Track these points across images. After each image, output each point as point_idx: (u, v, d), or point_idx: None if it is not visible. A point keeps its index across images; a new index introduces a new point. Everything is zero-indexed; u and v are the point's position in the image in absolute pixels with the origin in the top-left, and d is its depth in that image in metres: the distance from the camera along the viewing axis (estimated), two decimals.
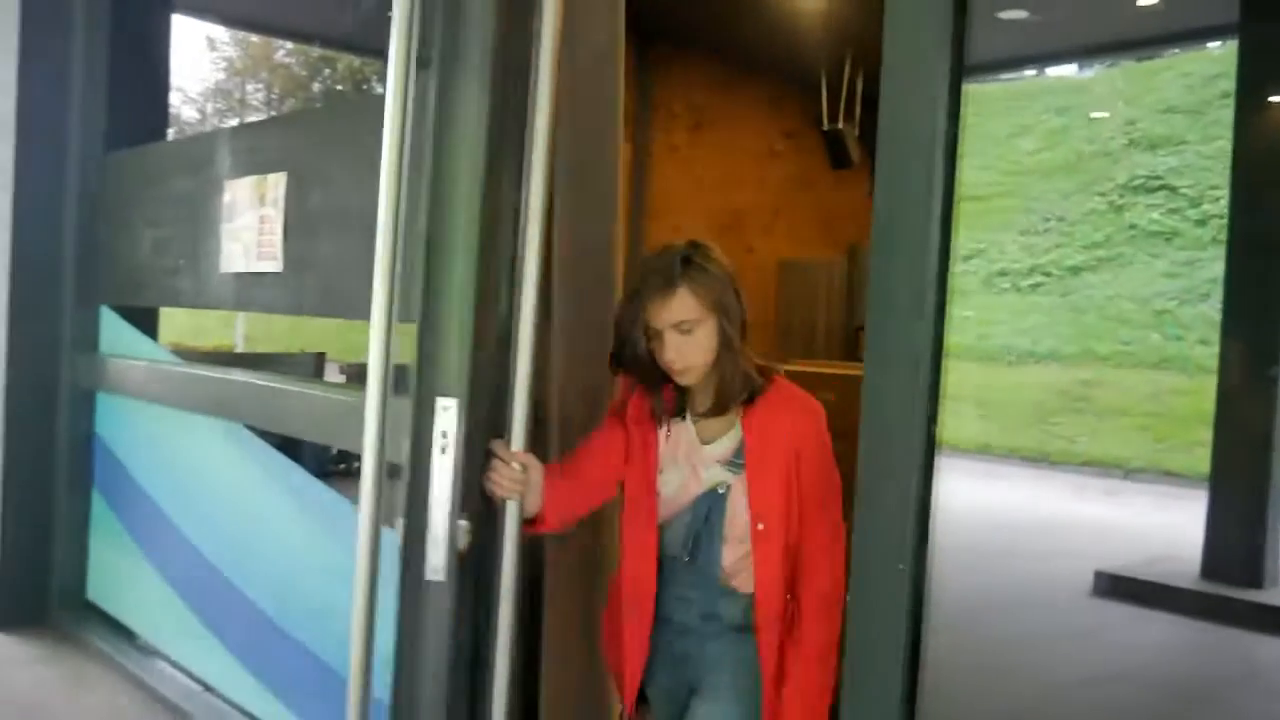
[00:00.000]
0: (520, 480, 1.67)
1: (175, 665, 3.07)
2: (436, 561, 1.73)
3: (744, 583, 1.69)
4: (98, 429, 3.52)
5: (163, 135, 3.85)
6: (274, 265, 2.51)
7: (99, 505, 3.51)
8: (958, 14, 1.30)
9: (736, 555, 1.69)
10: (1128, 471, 10.35)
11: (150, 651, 3.21)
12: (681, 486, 1.70)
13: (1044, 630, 4.52)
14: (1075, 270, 14.99)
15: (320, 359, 7.75)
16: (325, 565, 2.34)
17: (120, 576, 3.38)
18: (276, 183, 2.51)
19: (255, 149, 2.72)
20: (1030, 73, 16.63)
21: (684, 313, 1.59)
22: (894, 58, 1.36)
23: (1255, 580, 4.91)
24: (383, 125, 1.76)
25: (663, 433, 1.72)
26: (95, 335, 3.50)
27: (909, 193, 1.34)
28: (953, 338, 1.39)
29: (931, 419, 1.30)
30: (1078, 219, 15.46)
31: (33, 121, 3.47)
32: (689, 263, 1.62)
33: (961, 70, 1.29)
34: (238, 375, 2.83)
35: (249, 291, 2.68)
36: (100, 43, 3.53)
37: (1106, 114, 16.43)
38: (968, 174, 1.46)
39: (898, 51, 1.36)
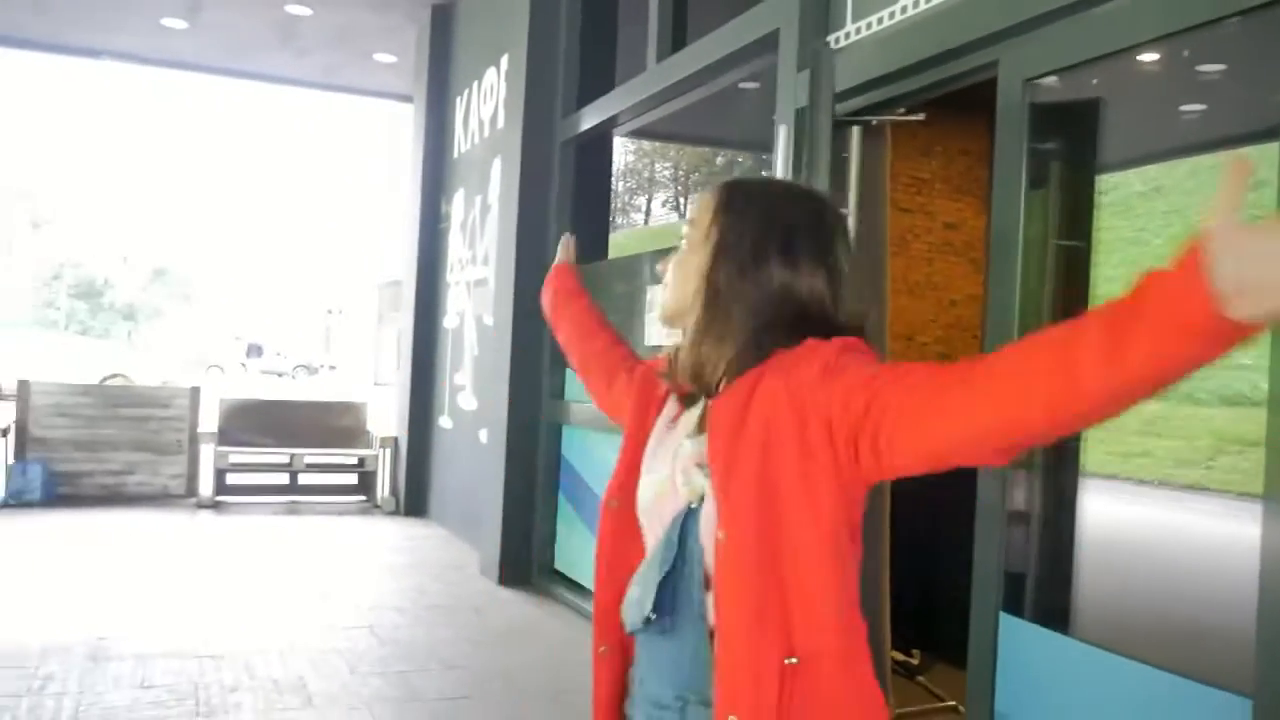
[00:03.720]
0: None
1: None
2: None
3: None
4: (563, 451, 5.14)
5: (606, 250, 5.46)
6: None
7: (563, 505, 5.11)
8: None
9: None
10: None
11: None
12: (655, 500, 1.14)
13: None
14: None
15: None
16: None
17: (576, 551, 4.93)
18: None
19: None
20: None
21: (690, 215, 1.16)
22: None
23: None
24: None
25: (664, 415, 1.19)
26: (563, 387, 5.14)
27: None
28: None
29: None
30: None
31: (526, 247, 5.24)
32: (739, 184, 1.16)
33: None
34: None
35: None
36: (567, 188, 5.22)
37: None
38: None
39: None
